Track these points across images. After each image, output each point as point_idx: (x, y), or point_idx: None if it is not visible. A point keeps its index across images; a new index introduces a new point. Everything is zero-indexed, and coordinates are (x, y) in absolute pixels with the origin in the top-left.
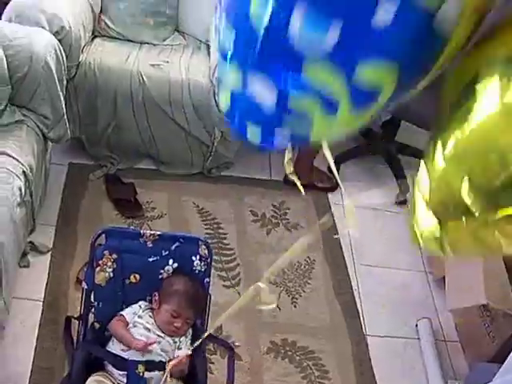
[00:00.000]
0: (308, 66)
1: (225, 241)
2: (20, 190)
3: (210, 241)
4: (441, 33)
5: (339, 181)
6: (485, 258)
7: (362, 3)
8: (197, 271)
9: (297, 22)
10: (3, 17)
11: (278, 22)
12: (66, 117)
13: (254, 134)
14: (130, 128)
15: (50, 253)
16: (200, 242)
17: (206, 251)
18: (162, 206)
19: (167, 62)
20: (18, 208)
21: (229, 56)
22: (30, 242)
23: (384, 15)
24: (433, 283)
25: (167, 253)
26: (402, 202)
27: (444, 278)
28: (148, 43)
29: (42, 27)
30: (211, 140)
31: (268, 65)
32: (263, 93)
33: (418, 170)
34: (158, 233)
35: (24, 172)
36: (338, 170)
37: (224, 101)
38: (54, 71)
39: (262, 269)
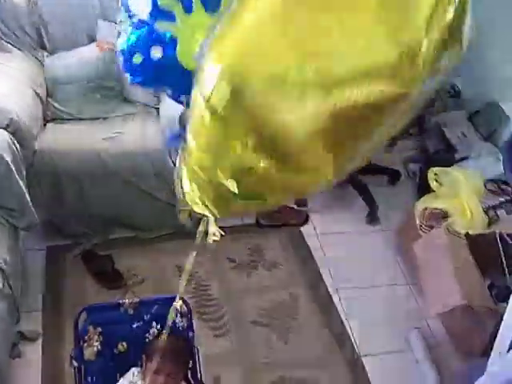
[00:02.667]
0: None
1: (209, 292)
2: None
3: (194, 295)
4: None
5: None
6: (455, 261)
7: None
8: (180, 328)
9: None
10: None
11: None
12: (30, 204)
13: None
14: (98, 202)
15: (40, 339)
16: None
17: (185, 307)
18: (142, 271)
19: (120, 132)
20: (0, 303)
21: None
22: (19, 332)
23: None
24: (417, 293)
25: (149, 316)
26: (373, 220)
27: None
28: (99, 118)
29: None
30: (178, 200)
31: None
32: None
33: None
34: (137, 300)
35: (0, 268)
36: (305, 202)
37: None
38: (11, 164)
39: (248, 311)
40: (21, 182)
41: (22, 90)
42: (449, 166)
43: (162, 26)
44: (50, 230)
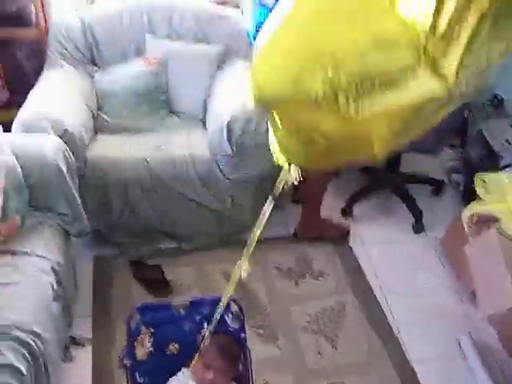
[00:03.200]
0: None
1: (256, 300)
2: (52, 286)
3: (241, 302)
4: None
5: None
6: (508, 262)
7: None
8: (232, 329)
9: None
10: (12, 131)
11: None
12: (83, 211)
13: None
14: (144, 212)
15: (90, 344)
16: (230, 301)
17: (237, 308)
18: (189, 279)
19: (167, 142)
20: (55, 303)
21: None
22: (70, 337)
23: None
24: (465, 297)
25: (200, 317)
26: (419, 229)
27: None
28: (146, 129)
29: (48, 133)
30: (223, 207)
31: None
32: None
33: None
34: (188, 300)
35: (53, 268)
36: (350, 212)
37: None
38: (65, 171)
39: (297, 318)
40: (74, 189)
41: (74, 102)
42: None
43: None
44: (98, 240)
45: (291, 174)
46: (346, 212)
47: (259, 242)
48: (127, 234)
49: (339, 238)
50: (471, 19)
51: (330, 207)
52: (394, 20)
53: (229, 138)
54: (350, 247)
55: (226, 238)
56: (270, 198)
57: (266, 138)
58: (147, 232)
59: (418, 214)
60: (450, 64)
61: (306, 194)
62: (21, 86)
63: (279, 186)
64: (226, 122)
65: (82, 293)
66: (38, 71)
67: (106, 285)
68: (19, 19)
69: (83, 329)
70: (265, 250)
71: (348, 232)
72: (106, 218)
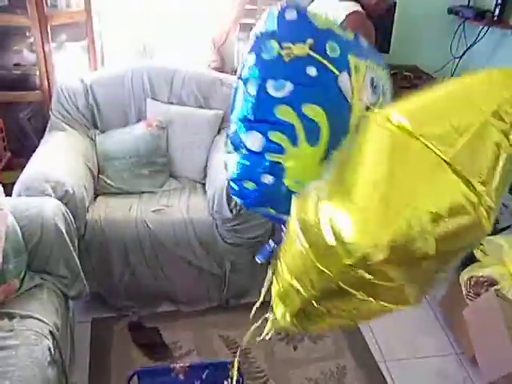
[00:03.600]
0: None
1: (254, 364)
2: (49, 349)
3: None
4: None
5: None
6: (508, 325)
7: None
8: None
9: None
10: (13, 193)
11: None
12: (82, 273)
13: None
14: (144, 274)
15: None
16: (229, 366)
17: (238, 373)
18: (188, 343)
19: (168, 206)
20: (50, 368)
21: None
22: None
23: None
24: (466, 363)
25: (199, 382)
26: None
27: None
28: (147, 192)
29: (49, 195)
30: (223, 271)
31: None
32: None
33: None
34: (188, 364)
35: (51, 332)
36: None
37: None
38: (65, 233)
39: (295, 382)
40: (73, 252)
41: (75, 165)
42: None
43: (271, 157)
44: (97, 303)
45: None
46: None
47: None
48: (127, 297)
49: None
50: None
51: None
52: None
53: (228, 202)
54: None
55: (225, 302)
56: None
57: None
58: (147, 295)
59: None
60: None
61: None
62: (22, 148)
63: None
64: (226, 185)
65: (79, 356)
66: (40, 133)
67: (103, 348)
68: (24, 82)
69: None
70: (262, 314)
71: None
72: (105, 281)
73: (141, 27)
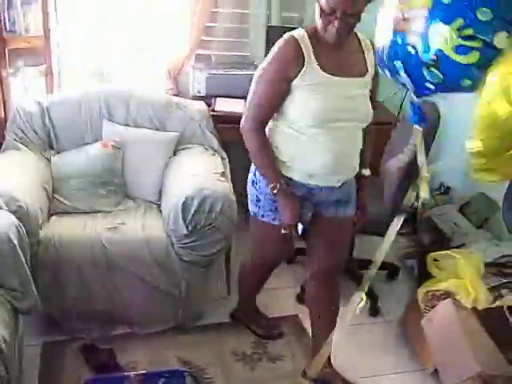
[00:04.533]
0: None
1: None
2: None
3: None
4: None
5: None
6: (466, 331)
7: None
8: None
9: None
10: None
11: None
12: (34, 287)
13: None
14: (98, 295)
15: None
16: (185, 374)
17: (193, 381)
18: (144, 364)
19: (123, 223)
20: None
21: None
22: None
23: None
24: (428, 378)
25: None
26: (375, 312)
27: (436, 369)
28: (102, 211)
29: (1, 208)
30: (178, 291)
31: None
32: None
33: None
34: (143, 372)
35: None
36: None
37: None
38: (17, 245)
39: None
40: (25, 264)
41: (30, 182)
42: None
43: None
44: (47, 325)
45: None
46: (301, 298)
47: (212, 328)
48: (80, 319)
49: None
50: None
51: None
52: None
53: (184, 218)
54: (305, 329)
55: (182, 323)
56: (400, 212)
57: (218, 219)
58: (101, 317)
59: (373, 298)
60: None
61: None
62: None
63: (410, 198)
64: (182, 201)
65: (27, 378)
66: None
67: (54, 370)
68: None
69: None
70: (219, 336)
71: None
72: (57, 303)
73: (98, 54)
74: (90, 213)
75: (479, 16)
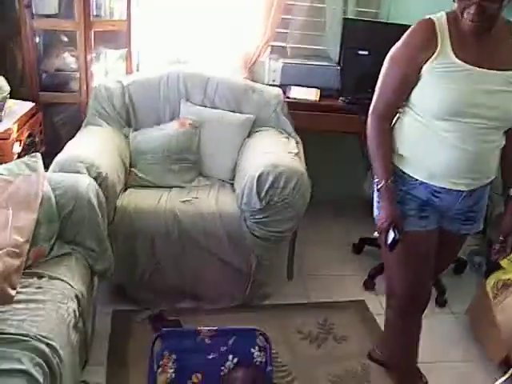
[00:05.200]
0: None
1: (278, 359)
2: (74, 312)
3: None
4: None
5: None
6: None
7: None
8: (257, 362)
9: None
10: (49, 171)
11: None
12: (110, 249)
13: None
14: (169, 267)
15: None
16: (257, 333)
17: (264, 341)
18: None
19: (197, 198)
20: (74, 332)
21: None
22: (83, 381)
23: None
24: (494, 369)
25: (225, 348)
26: (442, 302)
27: (503, 360)
28: (176, 186)
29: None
30: (248, 267)
31: None
32: None
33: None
34: (215, 328)
35: (77, 296)
36: (372, 284)
37: None
38: (97, 207)
39: (320, 378)
40: (103, 227)
41: (110, 154)
42: None
43: None
44: (118, 294)
45: None
46: (368, 284)
47: (277, 307)
48: (149, 291)
49: None
50: None
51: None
52: None
53: (258, 192)
54: (372, 313)
55: (248, 301)
56: None
57: (292, 196)
58: (170, 289)
59: (441, 289)
60: None
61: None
62: (54, 152)
63: None
64: (257, 176)
65: (99, 342)
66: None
67: (123, 338)
68: (64, 86)
69: (97, 377)
70: (285, 316)
71: None
72: (129, 273)
73: (176, 42)
74: (165, 187)
75: None
